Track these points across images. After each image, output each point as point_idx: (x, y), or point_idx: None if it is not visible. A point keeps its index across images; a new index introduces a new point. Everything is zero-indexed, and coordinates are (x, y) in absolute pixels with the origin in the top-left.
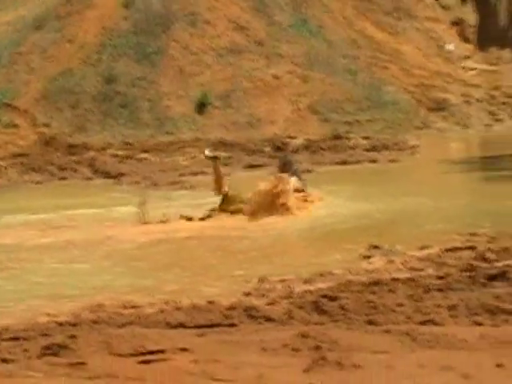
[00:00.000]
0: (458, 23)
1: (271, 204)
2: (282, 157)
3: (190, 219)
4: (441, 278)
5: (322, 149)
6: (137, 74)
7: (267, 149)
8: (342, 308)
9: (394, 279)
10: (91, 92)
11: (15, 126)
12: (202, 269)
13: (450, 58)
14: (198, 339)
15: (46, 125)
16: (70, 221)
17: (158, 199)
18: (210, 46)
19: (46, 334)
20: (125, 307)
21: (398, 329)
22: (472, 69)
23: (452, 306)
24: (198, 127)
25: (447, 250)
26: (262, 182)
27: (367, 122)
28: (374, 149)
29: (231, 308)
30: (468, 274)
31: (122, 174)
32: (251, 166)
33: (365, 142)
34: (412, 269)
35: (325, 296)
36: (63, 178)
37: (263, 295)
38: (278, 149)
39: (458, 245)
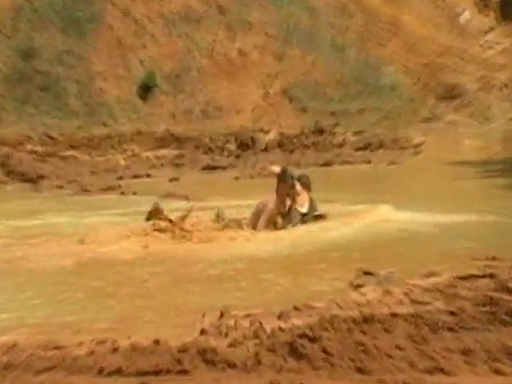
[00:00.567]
0: None
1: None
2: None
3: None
4: (452, 313)
5: (300, 146)
6: (62, 48)
7: (231, 146)
8: (325, 351)
9: (392, 315)
10: (3, 71)
11: None
12: (146, 299)
13: (466, 32)
14: None
15: None
16: None
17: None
18: (158, 12)
19: None
20: (46, 348)
21: (395, 379)
22: (493, 45)
23: (466, 350)
24: (141, 117)
25: (460, 279)
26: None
27: (358, 112)
28: (366, 147)
29: (183, 350)
30: (486, 309)
31: (41, 177)
32: (210, 168)
33: (355, 138)
34: (415, 302)
35: (303, 336)
36: None
37: (224, 334)
38: (245, 146)
39: (474, 272)
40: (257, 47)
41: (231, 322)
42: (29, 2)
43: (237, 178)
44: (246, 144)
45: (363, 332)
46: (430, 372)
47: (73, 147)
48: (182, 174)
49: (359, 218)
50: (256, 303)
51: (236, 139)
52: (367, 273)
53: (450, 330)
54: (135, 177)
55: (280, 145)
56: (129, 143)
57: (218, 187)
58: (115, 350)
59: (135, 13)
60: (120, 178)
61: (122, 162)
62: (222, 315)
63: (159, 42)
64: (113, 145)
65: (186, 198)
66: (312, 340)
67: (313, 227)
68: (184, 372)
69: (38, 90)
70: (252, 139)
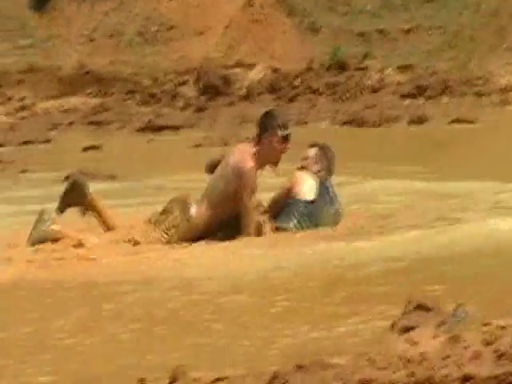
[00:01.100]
0: None
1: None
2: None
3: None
4: None
5: (307, 91)
6: None
7: (188, 91)
8: None
9: (465, 379)
10: None
11: None
12: (43, 351)
13: None
14: None
15: None
16: None
17: None
18: None
19: None
20: None
21: None
22: None
23: None
24: (36, 43)
25: None
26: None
27: (405, 33)
28: (419, 93)
29: None
30: None
31: None
32: (152, 129)
33: (400, 77)
34: (504, 357)
35: None
36: None
37: None
38: (213, 91)
39: None
40: None
41: None
42: None
43: (198, 146)
44: (213, 88)
45: None
46: None
47: None
48: (104, 138)
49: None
50: (234, 359)
51: (197, 80)
52: (423, 307)
53: None
54: (26, 143)
55: (272, 89)
56: (15, 88)
57: (167, 160)
58: None
59: None
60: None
61: (4, 119)
62: (175, 379)
63: None
64: None
65: (112, 177)
66: None
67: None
68: None
69: None
70: (224, 80)
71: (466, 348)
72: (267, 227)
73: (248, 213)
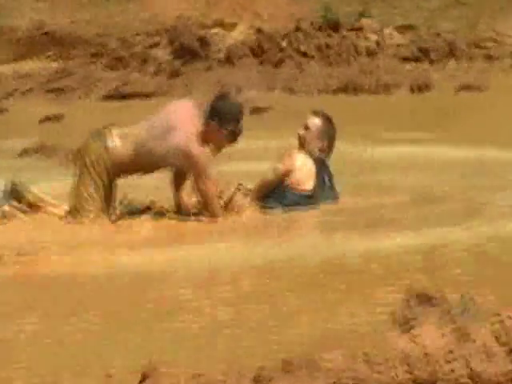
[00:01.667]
0: None
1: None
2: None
3: None
4: None
5: (295, 54)
6: None
7: (161, 54)
8: None
9: (474, 379)
10: None
11: None
12: None
13: None
14: None
15: None
16: None
17: None
18: None
19: None
20: None
21: None
22: None
23: None
24: None
25: None
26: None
27: None
28: (422, 57)
29: None
30: None
31: None
32: (120, 96)
33: (401, 38)
34: None
35: None
36: None
37: None
38: (188, 54)
39: None
40: None
41: None
42: None
43: None
44: (189, 50)
45: None
46: None
47: None
48: (66, 107)
49: None
50: (210, 354)
51: (171, 41)
52: (425, 296)
53: None
54: None
55: (255, 52)
56: None
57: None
58: None
59: None
60: None
61: None
62: (144, 379)
63: None
64: None
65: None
66: None
67: None
68: None
69: None
70: (201, 41)
71: (474, 343)
72: (248, 211)
73: (209, 201)
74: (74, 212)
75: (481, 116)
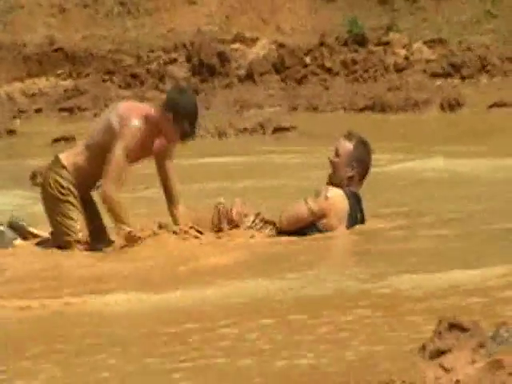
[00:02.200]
0: None
1: None
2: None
3: None
4: None
5: (320, 70)
6: None
7: (178, 70)
8: None
9: None
10: None
11: None
12: None
13: None
14: None
15: None
16: None
17: None
18: None
19: None
20: None
21: None
22: None
23: None
24: None
25: None
26: None
27: (434, 1)
28: (454, 70)
29: None
30: None
31: None
32: None
33: (431, 54)
34: None
35: None
36: None
37: None
38: (207, 71)
39: None
40: None
41: None
42: None
43: None
44: (208, 66)
45: None
46: None
47: None
48: (78, 127)
49: None
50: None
51: (189, 57)
52: (457, 326)
53: None
54: None
55: (277, 68)
56: None
57: None
58: None
59: None
60: None
61: None
62: None
63: None
64: None
65: None
66: None
67: None
68: None
69: None
70: (221, 57)
71: (509, 375)
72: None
73: (112, 167)
74: (63, 237)
75: None
